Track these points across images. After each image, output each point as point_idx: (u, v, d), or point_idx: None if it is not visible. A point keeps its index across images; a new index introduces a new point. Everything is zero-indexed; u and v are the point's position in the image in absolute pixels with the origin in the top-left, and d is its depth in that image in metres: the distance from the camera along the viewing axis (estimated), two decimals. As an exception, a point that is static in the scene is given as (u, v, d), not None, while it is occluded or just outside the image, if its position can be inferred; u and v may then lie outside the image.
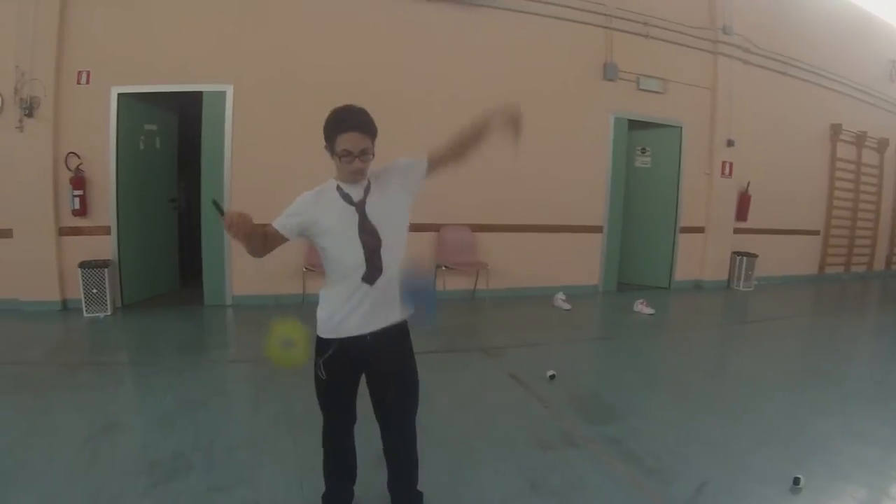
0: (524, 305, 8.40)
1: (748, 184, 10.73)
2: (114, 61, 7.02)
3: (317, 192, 2.58)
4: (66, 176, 6.96)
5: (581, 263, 9.57)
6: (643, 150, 10.35)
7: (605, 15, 9.13)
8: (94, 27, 6.95)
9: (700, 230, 10.48)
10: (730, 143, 10.28)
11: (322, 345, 2.61)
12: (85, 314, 6.88)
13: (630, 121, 9.64)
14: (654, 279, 10.44)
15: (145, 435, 3.86)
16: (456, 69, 8.27)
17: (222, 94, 7.39)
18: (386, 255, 2.52)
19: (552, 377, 5.15)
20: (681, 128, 10.04)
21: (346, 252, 2.51)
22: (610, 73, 9.25)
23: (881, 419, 4.52)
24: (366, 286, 2.51)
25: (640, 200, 10.27)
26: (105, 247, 7.21)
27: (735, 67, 10.29)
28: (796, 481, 3.33)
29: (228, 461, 3.47)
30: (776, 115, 10.92)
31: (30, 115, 6.70)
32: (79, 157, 6.98)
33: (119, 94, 7.12)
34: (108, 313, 6.98)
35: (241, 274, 7.55)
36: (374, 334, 2.55)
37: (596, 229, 9.57)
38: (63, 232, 7.04)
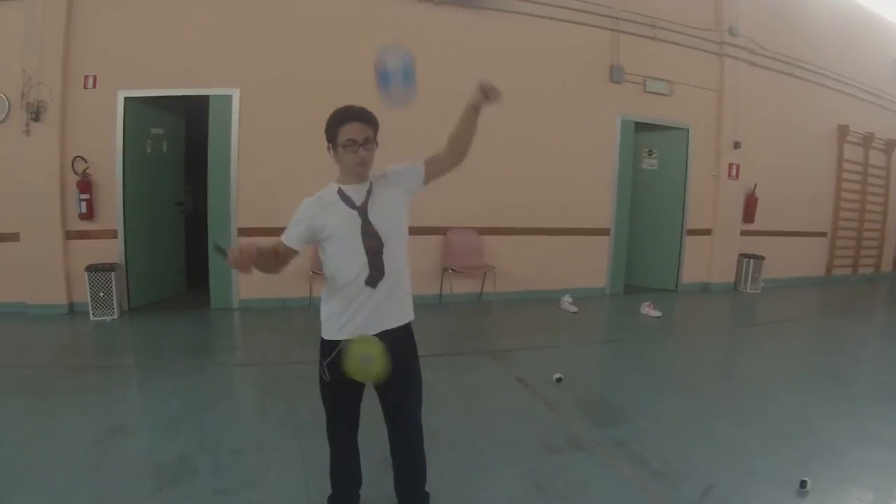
0: (531, 308, 8.38)
1: (755, 186, 10.69)
2: (120, 65, 7.05)
3: (318, 197, 2.60)
4: (72, 180, 6.99)
5: (588, 266, 9.55)
6: (650, 153, 10.33)
7: (611, 17, 9.12)
8: (101, 31, 6.99)
9: (707, 232, 10.45)
10: (736, 145, 10.24)
11: (326, 346, 2.61)
12: (91, 317, 6.90)
13: (637, 123, 9.62)
14: (661, 282, 10.40)
15: (151, 438, 3.85)
16: (462, 72, 8.19)
17: (229, 98, 7.41)
18: (388, 258, 2.54)
19: (559, 380, 5.14)
20: (687, 130, 10.01)
21: (349, 256, 2.52)
22: (616, 75, 9.23)
23: (889, 421, 4.49)
24: (368, 289, 2.53)
25: (647, 203, 10.24)
26: (112, 250, 7.23)
27: (741, 69, 10.25)
28: (803, 484, 3.31)
29: (234, 464, 3.47)
30: (783, 117, 10.87)
31: (36, 119, 6.73)
32: (85, 161, 7.00)
33: (126, 98, 7.14)
34: (115, 317, 6.99)
35: (247, 278, 7.53)
36: (379, 335, 2.54)
37: (603, 232, 9.55)
38: (70, 235, 7.08)
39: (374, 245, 2.52)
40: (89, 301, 6.91)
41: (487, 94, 2.57)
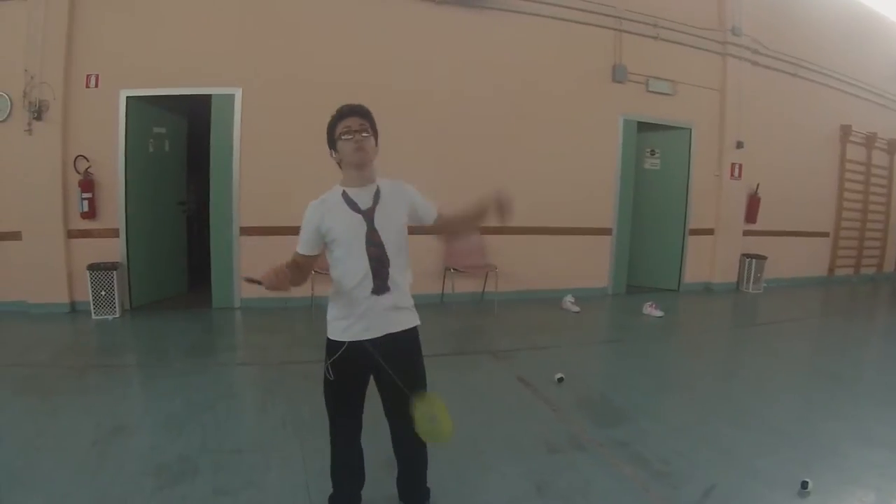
0: (533, 308, 8.37)
1: (757, 185, 10.68)
2: (122, 64, 7.06)
3: (322, 200, 2.60)
4: (74, 179, 7.00)
5: (590, 266, 9.54)
6: (652, 152, 10.32)
7: (614, 17, 9.11)
8: (103, 31, 7.00)
9: (709, 232, 10.44)
10: (739, 145, 10.23)
11: (331, 346, 2.63)
12: (93, 316, 6.91)
13: (639, 123, 9.61)
14: (664, 281, 10.39)
15: (152, 438, 3.85)
16: (465, 72, 8.27)
17: (231, 97, 7.41)
18: (392, 267, 2.56)
19: (560, 380, 5.13)
20: (690, 129, 10.00)
21: (353, 261, 2.53)
22: (619, 75, 9.23)
23: (891, 422, 4.47)
24: (374, 297, 2.55)
25: (650, 202, 10.23)
26: (114, 249, 7.24)
27: (744, 69, 10.24)
28: (804, 485, 3.30)
29: (235, 464, 3.47)
30: (785, 117, 10.86)
31: (39, 118, 6.74)
32: (87, 160, 7.01)
33: (128, 98, 7.16)
34: (117, 316, 7.01)
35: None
36: (383, 338, 2.58)
37: (605, 231, 9.55)
38: (72, 234, 7.09)
39: (377, 253, 2.53)
40: (91, 300, 6.93)
41: (503, 210, 2.63)
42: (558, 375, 5.17)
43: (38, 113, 6.73)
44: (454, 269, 8.07)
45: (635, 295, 9.55)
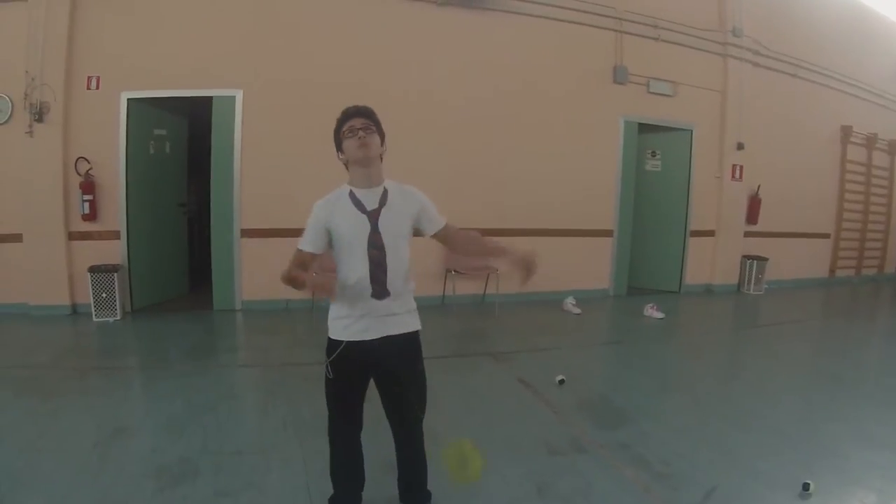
0: (534, 310, 8.37)
1: (758, 187, 10.68)
2: (123, 66, 7.06)
3: (328, 200, 2.60)
4: (75, 181, 7.00)
5: (591, 267, 9.54)
6: (653, 154, 10.32)
7: (614, 18, 9.12)
8: (104, 33, 7.01)
9: (710, 234, 10.44)
10: (740, 146, 10.22)
11: (332, 345, 2.64)
12: (94, 319, 6.92)
13: (640, 124, 9.62)
14: (665, 283, 10.39)
15: (153, 439, 3.85)
16: (466, 73, 8.27)
17: (232, 99, 7.42)
18: (391, 272, 2.56)
19: (561, 382, 5.12)
20: (691, 131, 10.01)
21: (354, 264, 2.54)
22: (620, 76, 9.23)
23: (892, 424, 4.46)
24: (374, 300, 2.55)
25: (651, 204, 10.23)
26: (115, 251, 7.24)
27: (745, 70, 10.24)
28: (806, 487, 3.29)
29: (236, 466, 3.47)
30: (786, 118, 10.86)
31: (40, 120, 6.74)
32: (88, 162, 7.02)
33: (129, 99, 7.16)
34: (118, 318, 7.01)
35: (250, 278, 7.57)
36: (382, 339, 2.59)
37: (606, 233, 9.55)
38: (73, 236, 7.09)
39: (377, 256, 2.53)
40: (92, 302, 6.93)
41: (528, 273, 2.70)
42: (559, 377, 5.17)
43: (38, 115, 6.73)
44: (455, 270, 8.06)
45: (636, 296, 9.54)
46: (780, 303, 9.93)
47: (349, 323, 2.58)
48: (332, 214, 2.54)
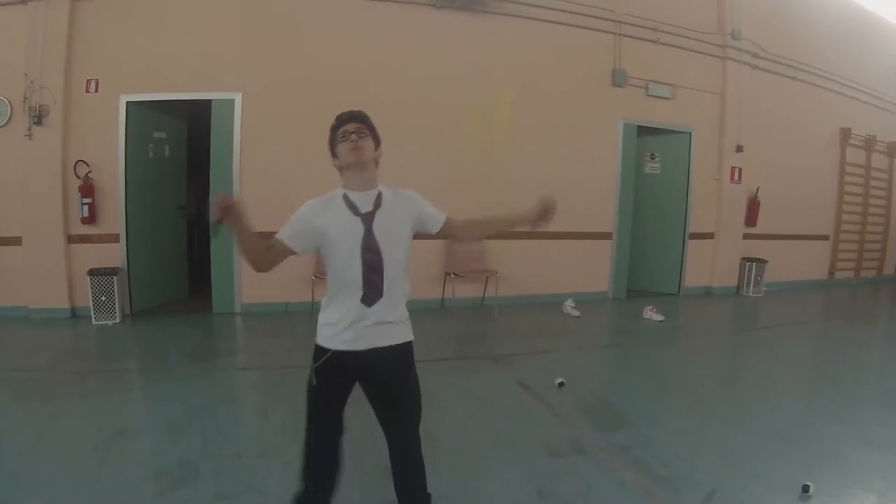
0: (533, 313, 8.38)
1: (757, 189, 10.68)
2: (122, 69, 7.08)
3: (322, 201, 2.53)
4: (75, 183, 7.01)
5: (590, 270, 9.55)
6: (652, 156, 10.33)
7: (613, 21, 9.13)
8: (103, 36, 7.02)
9: (710, 236, 10.44)
10: (739, 149, 10.24)
11: (317, 352, 2.55)
12: (94, 321, 6.92)
13: (639, 126, 9.63)
14: (664, 285, 10.40)
15: (153, 442, 3.85)
16: (465, 76, 8.28)
17: (231, 102, 7.43)
18: (387, 278, 2.47)
19: (561, 384, 5.12)
20: (690, 133, 10.02)
21: (346, 269, 2.46)
22: (619, 79, 9.24)
23: (893, 425, 4.46)
24: (363, 307, 2.46)
25: (650, 206, 10.24)
26: (114, 254, 7.25)
27: (744, 72, 10.25)
28: (806, 489, 3.30)
29: (236, 469, 3.47)
30: (785, 120, 10.88)
31: (39, 123, 6.75)
32: (88, 165, 7.02)
33: (128, 102, 7.18)
34: (117, 321, 7.01)
35: (249, 281, 7.56)
36: (371, 350, 2.50)
37: (605, 236, 9.55)
38: (72, 239, 7.10)
39: (372, 260, 2.44)
40: (91, 305, 6.93)
41: (548, 215, 2.71)
42: (559, 380, 5.16)
43: (38, 118, 6.74)
44: (454, 273, 8.07)
45: (636, 299, 9.54)
46: (779, 305, 9.94)
47: (337, 331, 2.49)
48: (318, 215, 2.47)
